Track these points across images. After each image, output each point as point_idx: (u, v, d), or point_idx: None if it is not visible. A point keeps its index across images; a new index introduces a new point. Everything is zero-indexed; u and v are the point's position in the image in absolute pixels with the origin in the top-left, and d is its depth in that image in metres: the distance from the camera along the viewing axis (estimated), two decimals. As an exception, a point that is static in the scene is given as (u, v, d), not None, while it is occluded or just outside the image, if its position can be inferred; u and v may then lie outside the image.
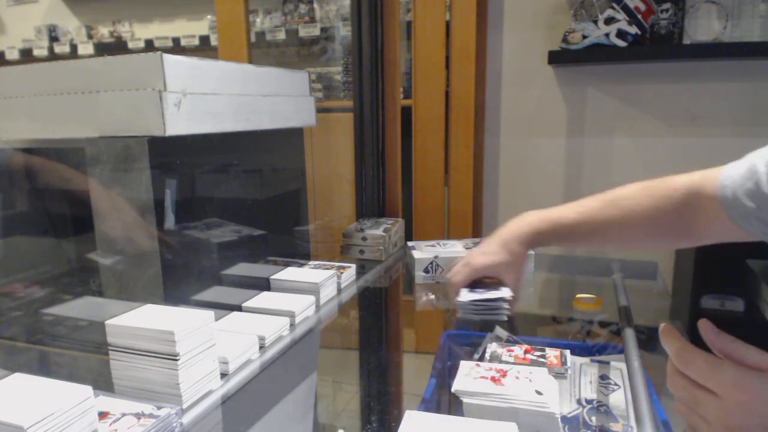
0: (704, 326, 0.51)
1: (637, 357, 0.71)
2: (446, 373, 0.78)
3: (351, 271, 1.08)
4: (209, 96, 0.77)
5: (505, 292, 0.91)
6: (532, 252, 1.12)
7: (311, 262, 1.07)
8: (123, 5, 3.05)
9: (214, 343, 0.65)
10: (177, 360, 0.59)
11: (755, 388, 0.45)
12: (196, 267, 0.81)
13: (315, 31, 2.45)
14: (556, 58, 1.78)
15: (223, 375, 0.68)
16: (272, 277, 0.96)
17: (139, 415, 0.56)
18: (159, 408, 0.57)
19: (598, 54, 1.72)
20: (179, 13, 2.99)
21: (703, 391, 0.49)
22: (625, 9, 1.67)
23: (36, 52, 3.02)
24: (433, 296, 1.09)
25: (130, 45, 2.90)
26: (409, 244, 1.26)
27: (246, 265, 0.93)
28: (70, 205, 0.83)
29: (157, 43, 2.80)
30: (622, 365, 0.75)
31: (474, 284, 0.96)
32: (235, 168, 0.91)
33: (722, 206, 0.62)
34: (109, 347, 0.62)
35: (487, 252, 0.89)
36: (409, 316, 1.10)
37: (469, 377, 0.64)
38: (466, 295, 0.92)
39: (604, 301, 1.03)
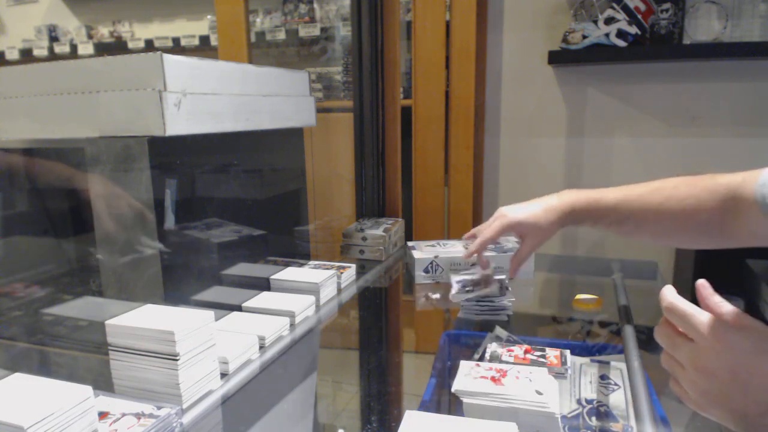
0: (700, 284, 0.53)
1: (637, 357, 0.71)
2: (446, 373, 0.78)
3: (351, 271, 1.08)
4: (209, 96, 0.77)
5: (493, 290, 0.93)
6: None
7: (311, 262, 1.07)
8: (123, 5, 3.05)
9: (214, 343, 0.65)
10: (177, 360, 0.59)
11: (726, 335, 0.48)
12: (196, 267, 0.81)
13: (315, 31, 2.45)
14: (556, 58, 1.78)
15: (223, 375, 0.68)
16: (272, 277, 0.96)
17: (139, 415, 0.56)
18: (159, 408, 0.57)
19: (598, 54, 1.72)
20: (179, 13, 2.99)
21: (681, 337, 0.52)
22: (625, 9, 1.67)
23: (36, 52, 3.02)
24: (433, 296, 1.09)
25: (130, 45, 2.90)
26: (409, 244, 1.26)
27: (246, 265, 0.93)
28: (70, 204, 0.83)
29: (157, 43, 2.80)
30: (622, 365, 0.75)
31: (465, 282, 0.98)
32: (235, 168, 0.91)
33: (761, 207, 0.62)
34: (109, 347, 0.62)
35: (526, 210, 0.89)
36: (409, 316, 1.10)
37: (469, 377, 0.64)
38: (456, 296, 0.96)
39: (604, 301, 1.03)
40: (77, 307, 0.83)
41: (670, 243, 0.82)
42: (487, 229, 0.92)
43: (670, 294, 0.53)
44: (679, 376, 0.52)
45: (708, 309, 0.51)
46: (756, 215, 0.63)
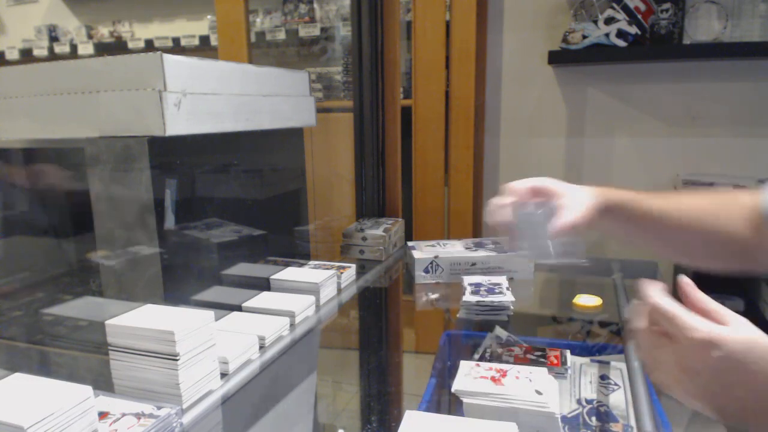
0: (683, 281, 0.52)
1: (637, 357, 0.71)
2: (446, 373, 0.78)
3: (351, 271, 1.08)
4: (209, 96, 0.77)
5: (508, 297, 0.93)
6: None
7: (311, 262, 1.07)
8: (123, 5, 3.05)
9: (214, 343, 0.65)
10: (177, 360, 0.59)
11: (709, 333, 0.46)
12: (196, 267, 0.81)
13: (315, 31, 2.45)
14: (556, 58, 1.78)
15: (223, 375, 0.68)
16: (272, 277, 0.96)
17: (139, 415, 0.56)
18: (159, 408, 0.57)
19: (598, 54, 1.72)
20: (179, 13, 2.99)
21: (663, 336, 0.50)
22: (625, 9, 1.67)
23: (36, 52, 3.02)
24: (433, 296, 1.09)
25: (130, 45, 2.90)
26: (409, 244, 1.26)
27: (246, 265, 0.93)
28: (70, 204, 0.83)
29: (157, 43, 2.80)
30: (622, 365, 0.75)
31: (478, 286, 0.98)
32: (235, 168, 0.91)
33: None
34: (109, 347, 0.62)
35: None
36: (409, 316, 1.10)
37: (469, 377, 0.64)
38: (469, 296, 0.95)
39: (604, 301, 1.03)
40: (77, 307, 0.83)
41: (690, 262, 0.73)
42: (517, 183, 0.78)
43: (654, 293, 0.52)
44: (661, 371, 0.51)
45: (691, 306, 0.51)
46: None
